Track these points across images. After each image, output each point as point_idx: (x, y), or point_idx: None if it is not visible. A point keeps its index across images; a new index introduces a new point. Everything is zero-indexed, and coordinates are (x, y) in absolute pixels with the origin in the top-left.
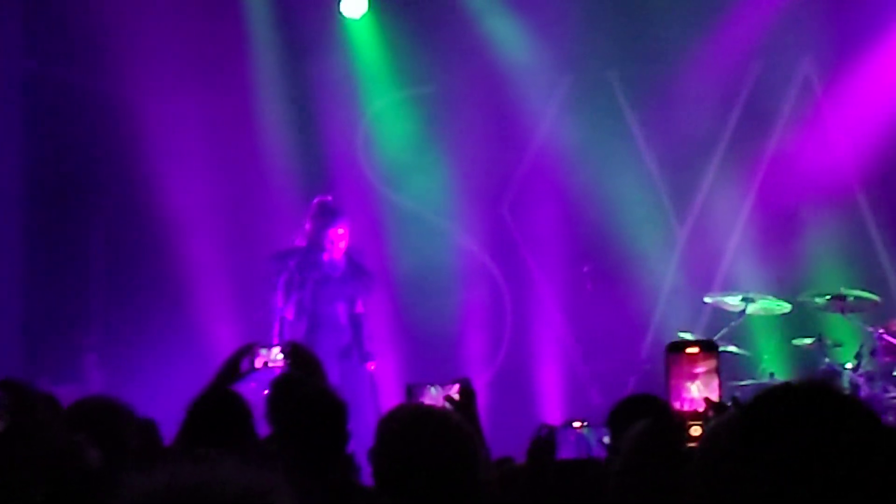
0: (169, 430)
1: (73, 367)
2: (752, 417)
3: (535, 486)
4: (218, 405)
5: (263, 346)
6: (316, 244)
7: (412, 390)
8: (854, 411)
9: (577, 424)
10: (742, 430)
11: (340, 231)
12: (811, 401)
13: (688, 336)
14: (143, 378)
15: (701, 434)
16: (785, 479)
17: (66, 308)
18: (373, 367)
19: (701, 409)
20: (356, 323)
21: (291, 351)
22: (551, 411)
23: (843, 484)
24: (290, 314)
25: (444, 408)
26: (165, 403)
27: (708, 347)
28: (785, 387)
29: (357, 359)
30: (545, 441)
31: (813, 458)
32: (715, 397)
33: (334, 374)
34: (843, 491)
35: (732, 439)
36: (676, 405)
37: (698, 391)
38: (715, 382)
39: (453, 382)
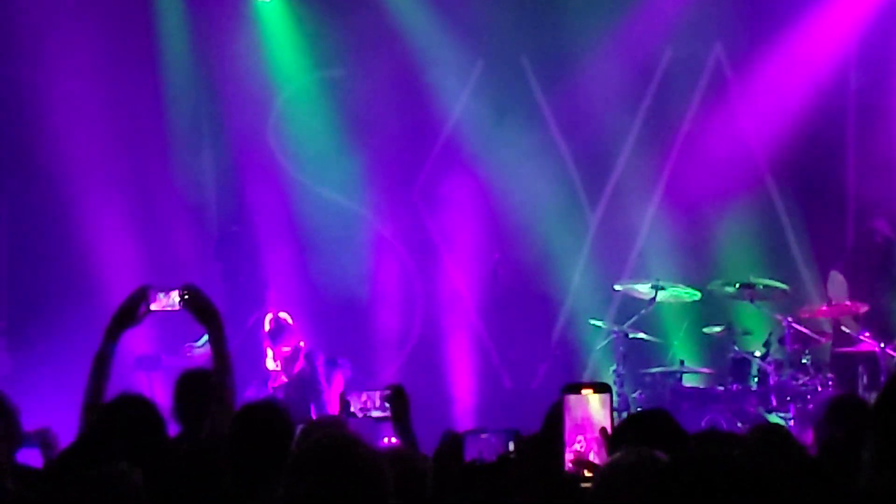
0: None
1: None
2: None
3: (440, 491)
4: (126, 411)
5: (160, 290)
6: None
7: (345, 398)
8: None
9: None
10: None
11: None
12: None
13: (599, 323)
14: (53, 363)
15: (595, 476)
16: None
17: None
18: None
19: (591, 456)
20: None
21: (189, 295)
22: (463, 397)
23: None
24: None
25: (357, 438)
26: (76, 387)
27: (601, 389)
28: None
29: None
30: (450, 447)
31: None
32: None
33: None
34: None
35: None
36: (569, 450)
37: (592, 430)
38: (608, 421)
39: (386, 389)
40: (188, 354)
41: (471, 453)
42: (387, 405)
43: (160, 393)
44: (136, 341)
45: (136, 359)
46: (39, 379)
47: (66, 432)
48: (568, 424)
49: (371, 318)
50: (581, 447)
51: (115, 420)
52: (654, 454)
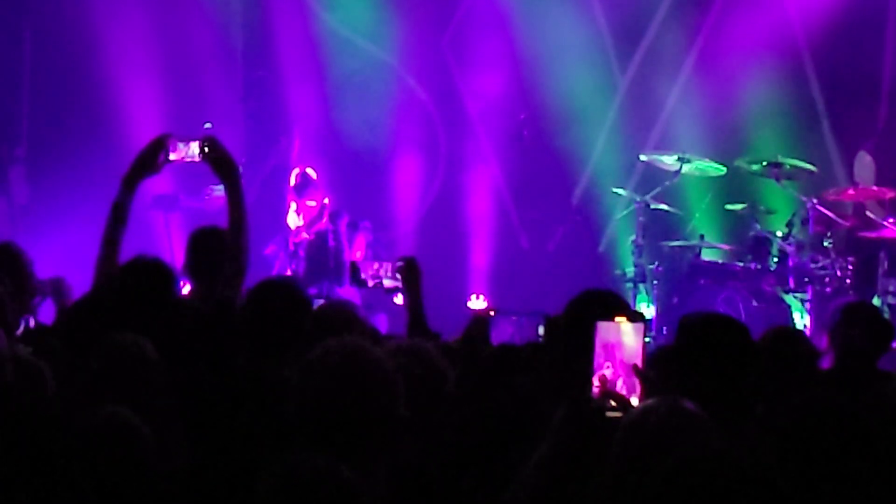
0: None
1: None
2: None
3: (469, 369)
4: (140, 276)
5: (181, 140)
6: None
7: (356, 266)
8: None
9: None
10: None
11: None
12: None
13: (620, 192)
14: (70, 192)
15: (623, 420)
16: None
17: None
18: None
19: (619, 384)
20: None
21: (209, 147)
22: (479, 254)
23: None
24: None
25: (365, 346)
26: (91, 217)
27: (635, 318)
28: None
29: None
30: (479, 327)
31: None
32: (639, 380)
33: None
34: None
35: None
36: (597, 376)
37: (622, 358)
38: (640, 351)
39: (399, 260)
40: (207, 196)
41: (501, 335)
42: (398, 276)
43: (176, 234)
44: (154, 181)
45: (154, 198)
46: (57, 210)
47: (81, 273)
48: (597, 349)
49: (392, 169)
50: (609, 373)
51: (128, 284)
52: (685, 407)
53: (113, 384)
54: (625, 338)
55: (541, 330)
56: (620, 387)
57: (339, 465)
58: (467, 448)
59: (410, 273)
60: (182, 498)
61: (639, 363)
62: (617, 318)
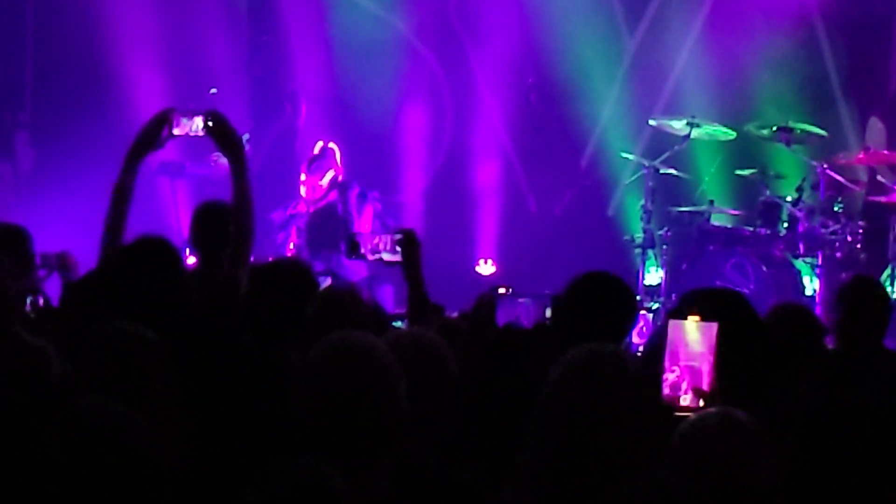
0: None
1: (4, 143)
2: None
3: (473, 352)
4: (144, 257)
5: (184, 115)
6: None
7: (354, 240)
8: None
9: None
10: None
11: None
12: None
13: (629, 156)
14: (74, 157)
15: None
16: None
17: None
18: None
19: (683, 386)
20: None
21: (213, 122)
22: (487, 217)
23: None
24: None
25: (373, 345)
26: (96, 182)
27: (707, 317)
28: None
29: None
30: (486, 307)
31: None
32: (706, 383)
33: None
34: None
35: None
36: (665, 377)
37: (688, 360)
38: (710, 357)
39: (398, 232)
40: (213, 163)
41: (508, 316)
42: (398, 249)
43: (183, 201)
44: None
45: (160, 164)
46: (62, 175)
47: (87, 240)
48: (667, 350)
49: (399, 133)
50: (676, 376)
51: (130, 265)
52: (737, 419)
53: (107, 374)
54: (689, 338)
55: (548, 312)
56: (685, 390)
57: (329, 470)
58: (470, 437)
59: (410, 246)
60: (184, 490)
61: (708, 365)
62: (690, 317)
